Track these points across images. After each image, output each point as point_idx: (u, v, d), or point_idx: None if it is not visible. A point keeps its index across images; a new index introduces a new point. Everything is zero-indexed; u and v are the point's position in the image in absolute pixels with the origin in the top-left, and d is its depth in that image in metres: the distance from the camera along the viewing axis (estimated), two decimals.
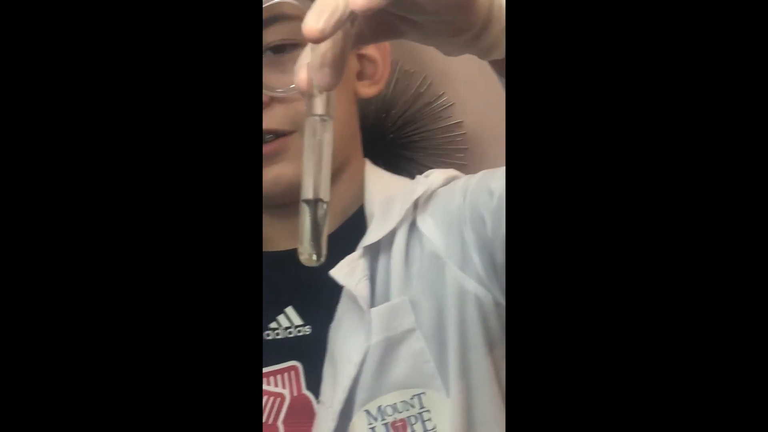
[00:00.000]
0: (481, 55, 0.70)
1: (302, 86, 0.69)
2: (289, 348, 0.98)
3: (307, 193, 0.71)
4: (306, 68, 0.69)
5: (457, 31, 0.68)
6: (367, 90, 1.06)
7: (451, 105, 1.29)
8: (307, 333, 0.98)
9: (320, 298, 0.97)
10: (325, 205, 0.72)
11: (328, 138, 0.71)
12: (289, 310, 1.00)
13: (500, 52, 0.70)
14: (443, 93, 1.28)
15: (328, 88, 0.69)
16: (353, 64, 1.04)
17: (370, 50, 1.05)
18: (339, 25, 0.66)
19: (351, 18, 0.67)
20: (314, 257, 0.72)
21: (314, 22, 0.66)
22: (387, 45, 1.06)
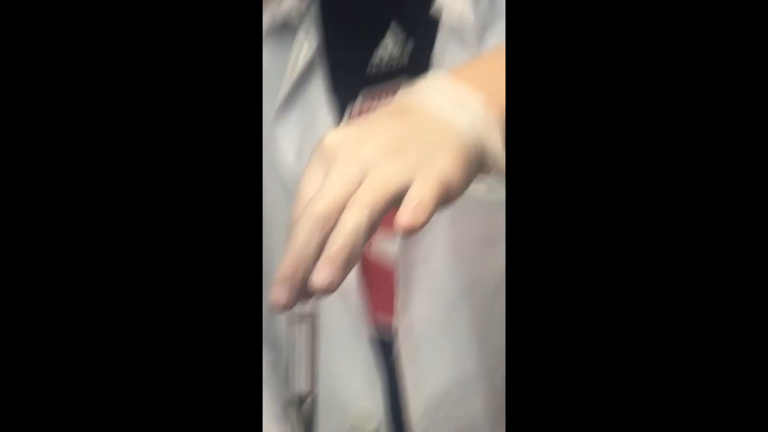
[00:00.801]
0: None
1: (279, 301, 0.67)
2: None
3: (299, 386, 0.73)
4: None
5: None
6: None
7: None
8: None
9: None
10: (312, 399, 0.73)
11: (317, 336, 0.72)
12: None
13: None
14: None
15: (326, 291, 0.67)
16: None
17: None
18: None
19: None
20: None
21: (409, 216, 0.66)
22: None
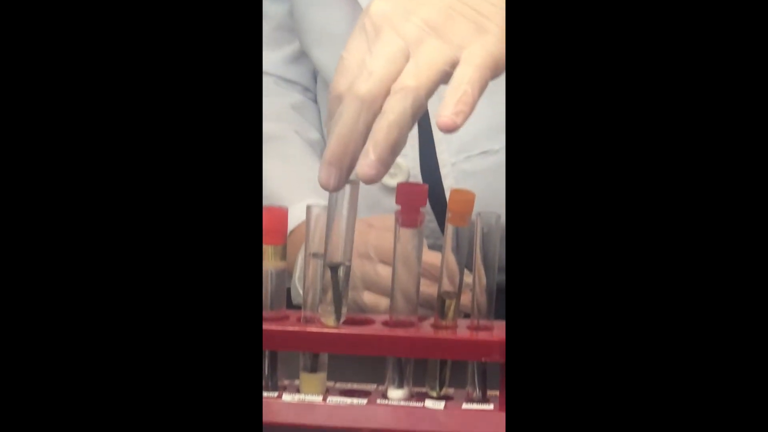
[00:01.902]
0: None
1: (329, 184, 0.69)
2: None
3: (335, 256, 0.73)
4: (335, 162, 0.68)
5: None
6: None
7: None
8: None
9: None
10: (347, 269, 0.74)
11: (356, 202, 0.72)
12: None
13: None
14: None
15: (372, 182, 0.68)
16: None
17: None
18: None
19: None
20: (333, 321, 0.75)
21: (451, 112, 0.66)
22: None
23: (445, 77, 0.68)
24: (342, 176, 0.69)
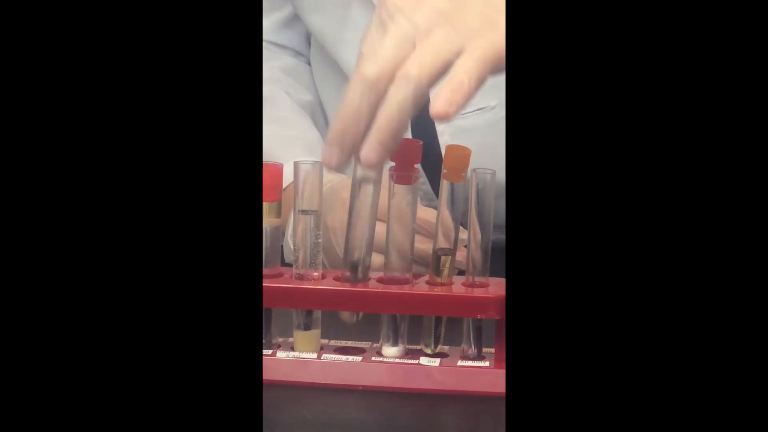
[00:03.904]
0: None
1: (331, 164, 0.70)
2: None
3: (354, 254, 0.75)
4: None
5: None
6: None
7: None
8: None
9: None
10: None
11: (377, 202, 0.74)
12: None
13: None
14: None
15: (373, 165, 0.70)
16: None
17: None
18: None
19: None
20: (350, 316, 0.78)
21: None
22: None
23: (449, 67, 0.69)
24: (343, 155, 0.70)
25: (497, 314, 0.73)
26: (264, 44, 1.12)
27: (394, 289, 0.75)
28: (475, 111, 1.00)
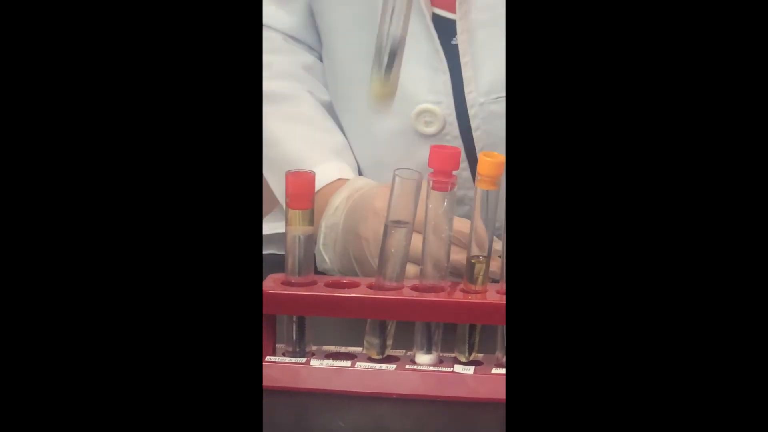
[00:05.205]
0: None
1: None
2: None
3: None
4: None
5: None
6: None
7: None
8: None
9: None
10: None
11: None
12: None
13: None
14: None
15: None
16: None
17: None
18: None
19: None
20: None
21: None
22: None
23: None
24: None
25: None
26: (281, 36, 1.11)
27: (429, 296, 0.75)
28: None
